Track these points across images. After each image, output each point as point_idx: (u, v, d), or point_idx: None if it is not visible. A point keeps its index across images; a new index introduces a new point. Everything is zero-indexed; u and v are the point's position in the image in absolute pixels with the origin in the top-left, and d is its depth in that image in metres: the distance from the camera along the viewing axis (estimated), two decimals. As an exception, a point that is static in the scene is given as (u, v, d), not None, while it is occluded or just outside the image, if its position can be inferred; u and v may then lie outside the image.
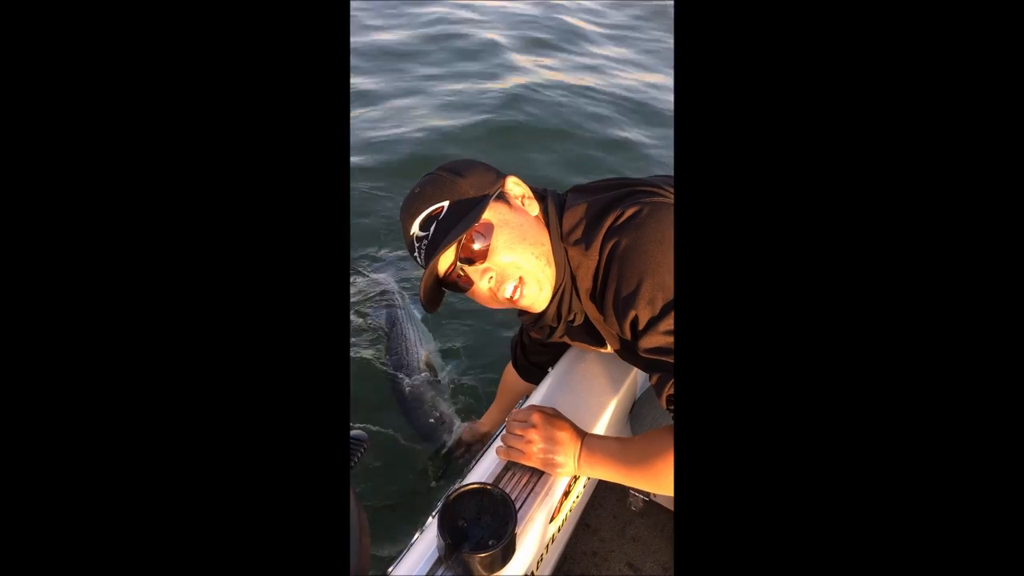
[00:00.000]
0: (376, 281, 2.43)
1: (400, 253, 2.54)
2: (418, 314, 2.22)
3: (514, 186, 1.01)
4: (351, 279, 2.44)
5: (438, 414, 1.78)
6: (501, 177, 1.01)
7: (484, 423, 1.66)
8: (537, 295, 0.99)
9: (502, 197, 0.99)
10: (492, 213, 0.96)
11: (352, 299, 2.35)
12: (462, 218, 0.94)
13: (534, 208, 1.02)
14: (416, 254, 1.00)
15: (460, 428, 1.72)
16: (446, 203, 0.95)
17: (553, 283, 0.99)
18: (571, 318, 1.05)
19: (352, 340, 2.19)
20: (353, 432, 0.61)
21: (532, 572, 1.07)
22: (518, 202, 1.00)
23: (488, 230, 0.95)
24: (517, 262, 0.95)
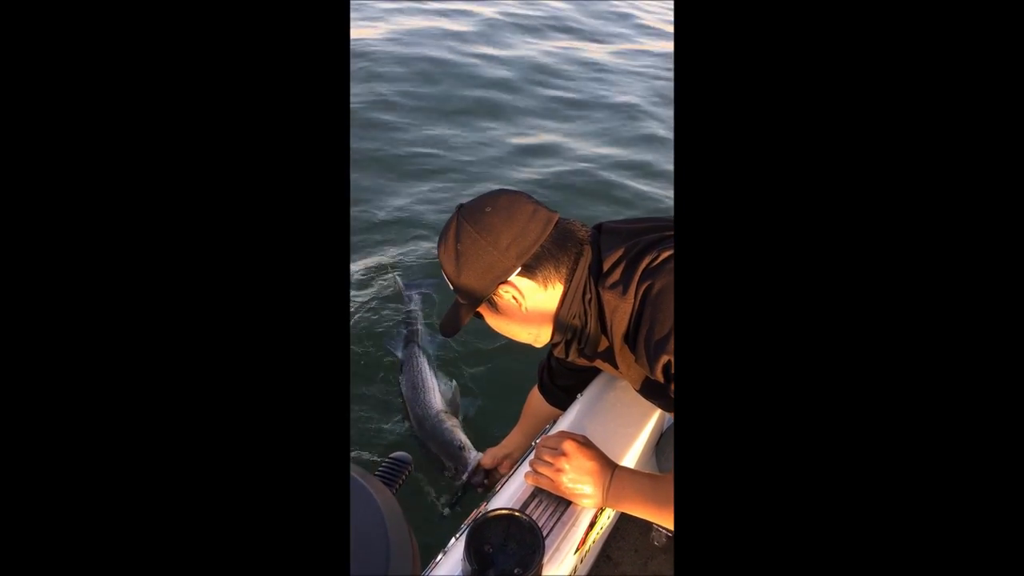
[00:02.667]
0: (400, 307, 2.44)
1: (431, 282, 2.54)
2: (432, 351, 2.22)
3: (504, 293, 1.04)
4: (377, 301, 2.45)
5: (457, 442, 1.77)
6: (511, 262, 1.01)
7: (505, 445, 1.64)
8: (533, 344, 1.14)
9: (491, 302, 1.05)
10: (482, 309, 1.08)
11: (372, 324, 2.36)
12: (463, 300, 1.07)
13: (530, 298, 1.04)
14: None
15: (478, 456, 1.71)
16: (451, 286, 1.07)
17: (551, 333, 1.09)
18: (584, 352, 1.11)
19: (368, 366, 2.18)
20: (397, 454, 0.60)
21: (554, 603, 1.05)
22: (509, 301, 1.05)
23: (483, 315, 1.10)
24: (509, 336, 1.13)
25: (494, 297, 1.04)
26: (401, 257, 2.74)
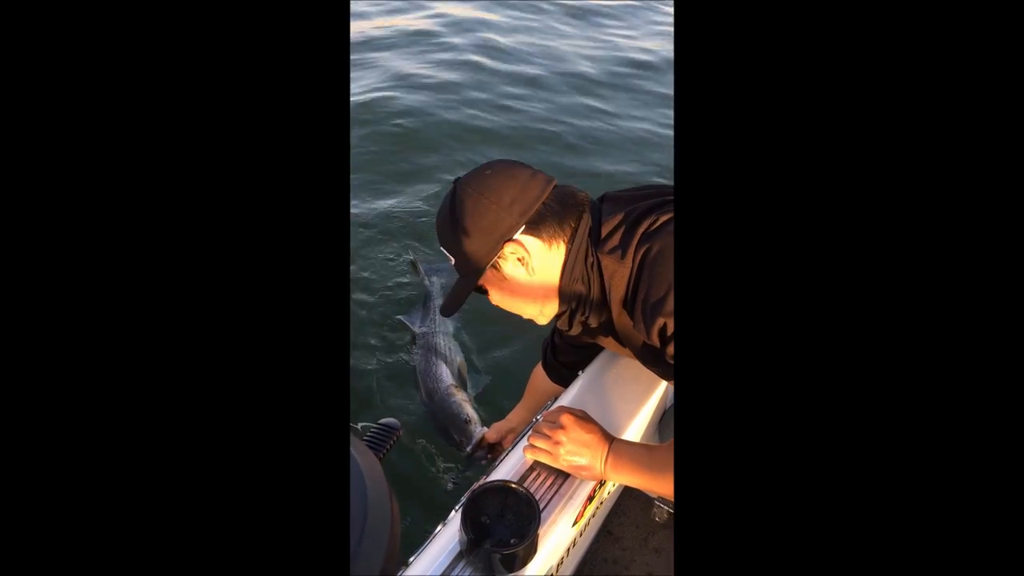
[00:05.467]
0: (418, 286, 2.47)
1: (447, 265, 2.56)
2: (451, 323, 2.25)
3: (510, 255, 1.01)
4: (396, 282, 2.48)
5: (465, 415, 1.79)
6: (503, 241, 0.99)
7: (510, 420, 1.65)
8: (537, 319, 1.11)
9: (495, 267, 1.02)
10: (486, 280, 1.05)
11: (388, 297, 2.39)
12: (465, 276, 1.05)
13: (537, 257, 1.01)
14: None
15: (483, 431, 1.73)
16: (452, 261, 1.05)
17: (556, 306, 1.07)
18: (598, 324, 1.08)
19: (384, 338, 2.23)
20: (386, 420, 0.61)
21: (552, 575, 1.06)
22: (513, 265, 1.02)
23: (487, 287, 1.08)
24: (514, 311, 1.11)
25: (499, 261, 1.01)
26: (420, 242, 2.75)
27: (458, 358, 2.09)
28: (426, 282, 2.47)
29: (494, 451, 1.65)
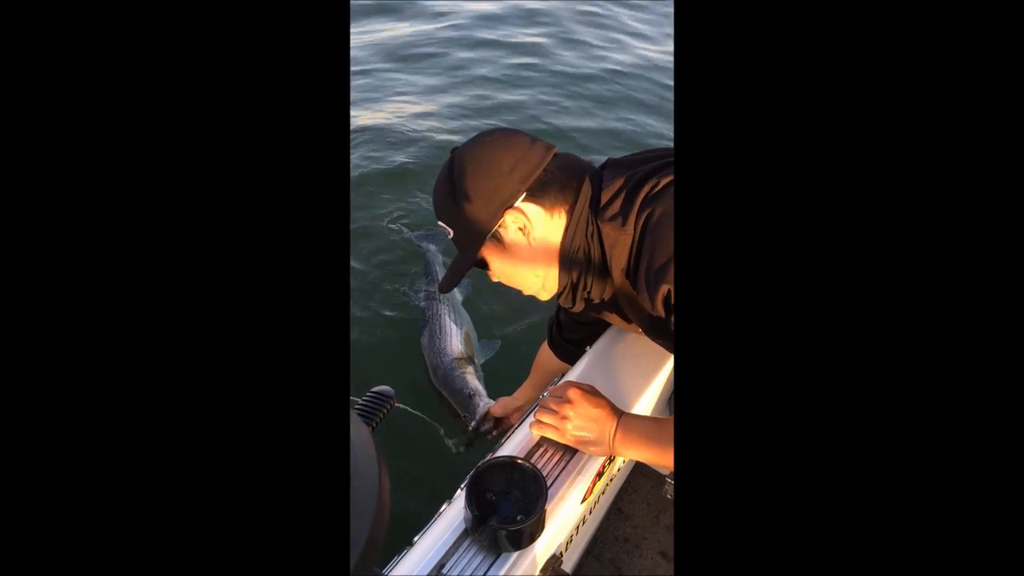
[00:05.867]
0: (417, 251, 2.43)
1: (443, 235, 2.52)
2: (459, 295, 2.21)
3: (511, 224, 0.98)
4: (393, 255, 2.45)
5: (469, 389, 1.75)
6: (506, 206, 0.96)
7: (516, 398, 1.63)
8: (539, 294, 1.07)
9: (496, 236, 0.99)
10: (487, 251, 1.01)
11: (390, 274, 2.36)
12: (464, 248, 1.01)
13: (539, 228, 0.98)
14: None
15: (489, 403, 1.70)
16: (451, 232, 1.01)
17: (557, 281, 1.03)
18: (602, 298, 1.04)
19: (389, 314, 2.20)
20: (379, 388, 0.58)
21: (561, 552, 1.04)
22: (514, 234, 0.99)
23: (486, 262, 1.04)
24: (514, 285, 1.07)
25: (500, 230, 0.98)
26: (404, 210, 2.70)
27: (464, 328, 2.04)
28: (421, 249, 2.41)
29: (501, 426, 1.62)
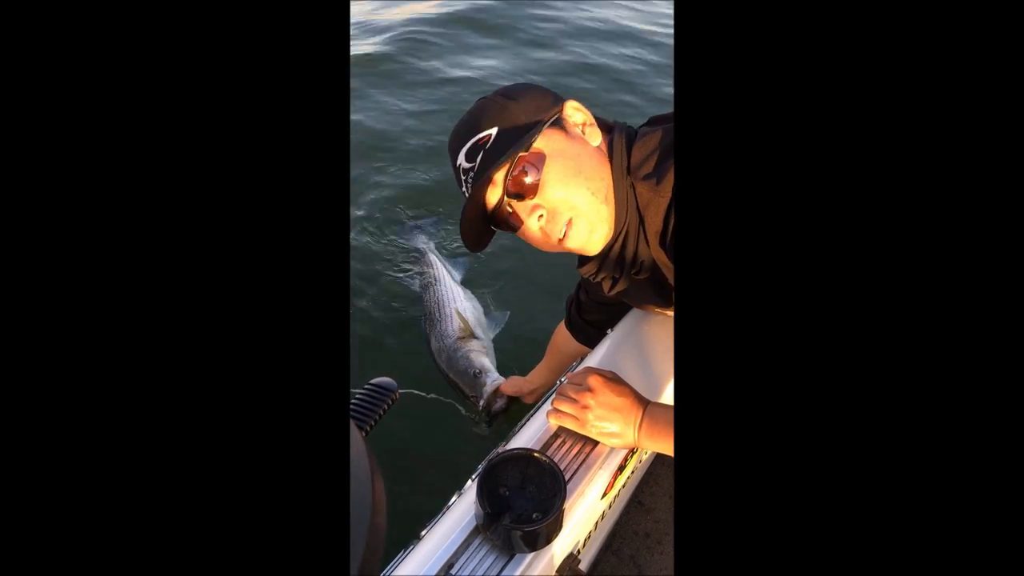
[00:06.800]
0: (409, 240, 2.35)
1: (433, 219, 2.44)
2: (457, 274, 2.14)
3: (574, 112, 0.89)
4: (384, 240, 2.37)
5: (475, 368, 1.67)
6: (560, 102, 0.89)
7: (530, 380, 1.54)
8: (588, 237, 0.87)
9: (559, 123, 0.87)
10: (545, 142, 0.85)
11: (384, 259, 2.28)
12: (511, 146, 0.83)
13: (596, 137, 0.89)
14: (463, 188, 0.91)
15: (499, 379, 1.61)
16: (495, 130, 0.85)
17: (611, 224, 0.87)
18: (636, 270, 0.92)
19: (385, 298, 2.12)
20: (380, 379, 0.51)
21: (578, 551, 0.96)
22: (577, 130, 0.88)
23: (540, 161, 0.84)
24: (570, 199, 0.85)
25: (564, 116, 0.88)
26: (399, 193, 2.61)
27: (468, 304, 1.95)
28: (413, 233, 2.34)
29: (510, 405, 1.55)
